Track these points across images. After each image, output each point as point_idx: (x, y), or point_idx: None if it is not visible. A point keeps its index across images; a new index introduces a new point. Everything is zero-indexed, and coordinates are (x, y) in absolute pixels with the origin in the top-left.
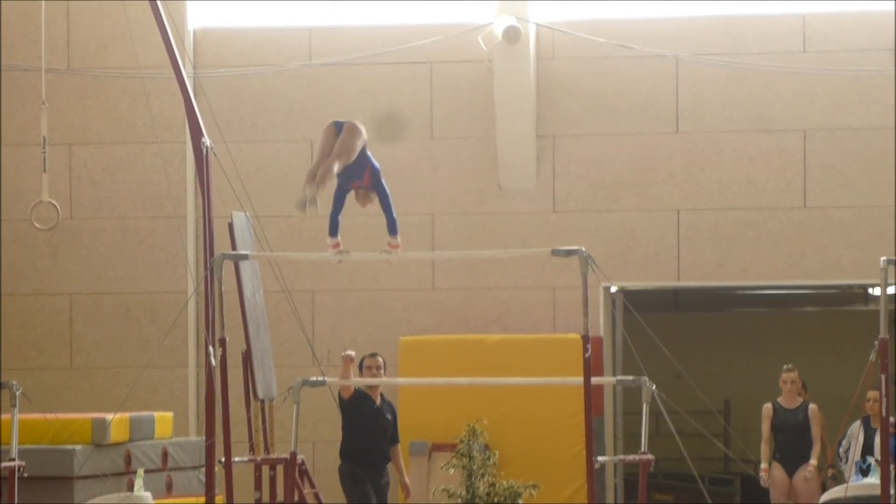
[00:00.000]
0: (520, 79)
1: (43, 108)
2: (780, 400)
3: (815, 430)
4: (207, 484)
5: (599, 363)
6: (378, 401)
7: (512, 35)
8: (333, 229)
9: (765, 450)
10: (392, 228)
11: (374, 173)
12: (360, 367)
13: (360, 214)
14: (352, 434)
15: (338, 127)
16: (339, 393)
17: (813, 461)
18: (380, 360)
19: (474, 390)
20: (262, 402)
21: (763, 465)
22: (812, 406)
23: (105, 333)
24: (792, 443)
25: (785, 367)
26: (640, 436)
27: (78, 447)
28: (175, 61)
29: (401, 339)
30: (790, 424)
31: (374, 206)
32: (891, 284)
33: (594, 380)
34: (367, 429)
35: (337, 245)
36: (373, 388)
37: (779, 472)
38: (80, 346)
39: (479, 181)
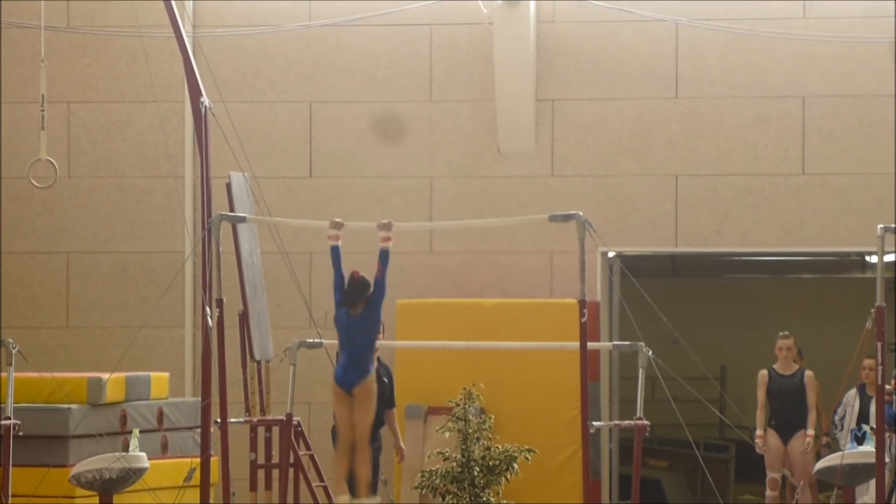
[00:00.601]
0: (519, 42)
1: (42, 65)
2: (776, 367)
3: (811, 398)
4: (203, 445)
5: (596, 328)
6: (374, 364)
7: None
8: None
9: (760, 416)
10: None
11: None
12: None
13: (358, 177)
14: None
15: (345, 387)
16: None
17: (810, 430)
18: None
19: (471, 354)
20: (259, 363)
21: (758, 432)
22: (808, 373)
23: (102, 293)
24: (787, 409)
25: (781, 333)
26: (635, 401)
27: (73, 406)
28: (174, 21)
29: (398, 302)
30: (786, 391)
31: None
32: (888, 252)
33: (590, 345)
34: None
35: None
36: None
37: (773, 438)
38: (76, 305)
39: (477, 144)
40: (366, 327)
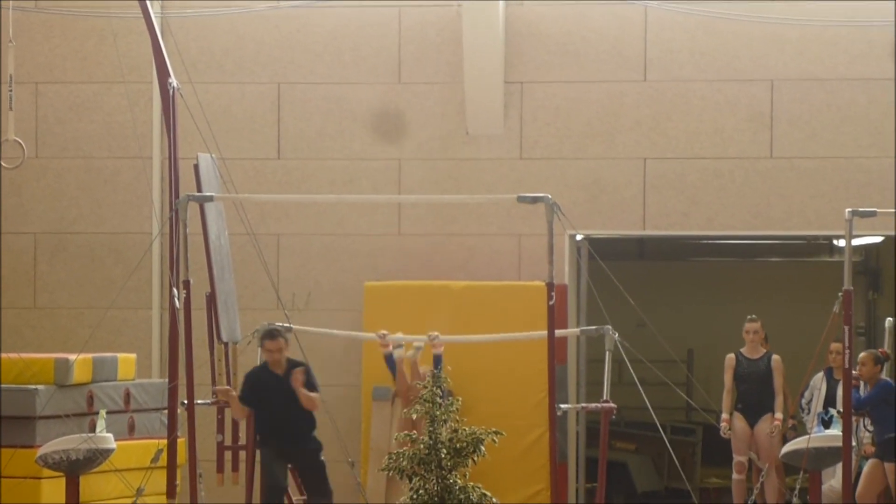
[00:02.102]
0: (488, 24)
1: (10, 46)
2: (743, 350)
3: (778, 381)
4: (169, 426)
5: (564, 311)
6: (282, 370)
7: None
8: None
9: (727, 400)
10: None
11: None
12: (262, 346)
13: (326, 158)
14: (259, 416)
15: None
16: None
17: (778, 414)
18: (281, 341)
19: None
20: (226, 344)
21: (724, 416)
22: (775, 357)
23: (69, 273)
24: (754, 393)
25: (748, 317)
26: (602, 384)
27: (40, 387)
28: (143, 1)
29: (366, 283)
30: (753, 375)
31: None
32: (855, 236)
33: (557, 332)
34: (273, 405)
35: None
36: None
37: (740, 422)
38: (43, 285)
39: (446, 127)
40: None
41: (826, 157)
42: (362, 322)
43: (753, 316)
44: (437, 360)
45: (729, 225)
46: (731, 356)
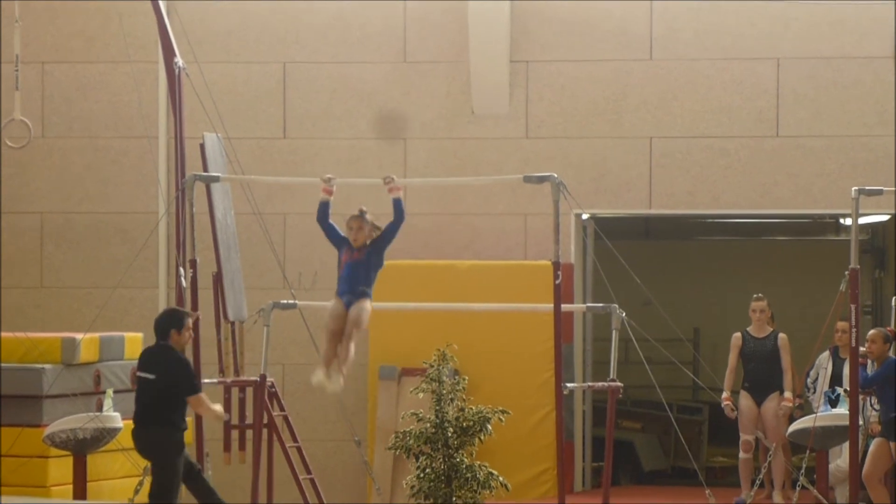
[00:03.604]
0: (494, 3)
1: (16, 25)
2: (749, 329)
3: (786, 360)
4: None
5: (570, 290)
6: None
7: None
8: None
9: (729, 379)
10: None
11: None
12: (181, 328)
13: (331, 138)
14: (179, 400)
15: (346, 302)
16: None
17: (788, 394)
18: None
19: (444, 316)
20: (233, 324)
21: (725, 394)
22: (782, 335)
23: (76, 253)
24: (760, 371)
25: (755, 296)
26: (609, 363)
27: (47, 366)
28: None
29: None
30: (759, 353)
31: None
32: (862, 214)
33: (564, 307)
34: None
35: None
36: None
37: (747, 400)
38: (50, 265)
39: (452, 106)
40: (366, 268)
41: (832, 135)
42: None
43: (760, 294)
44: (398, 207)
45: (735, 204)
46: (737, 335)
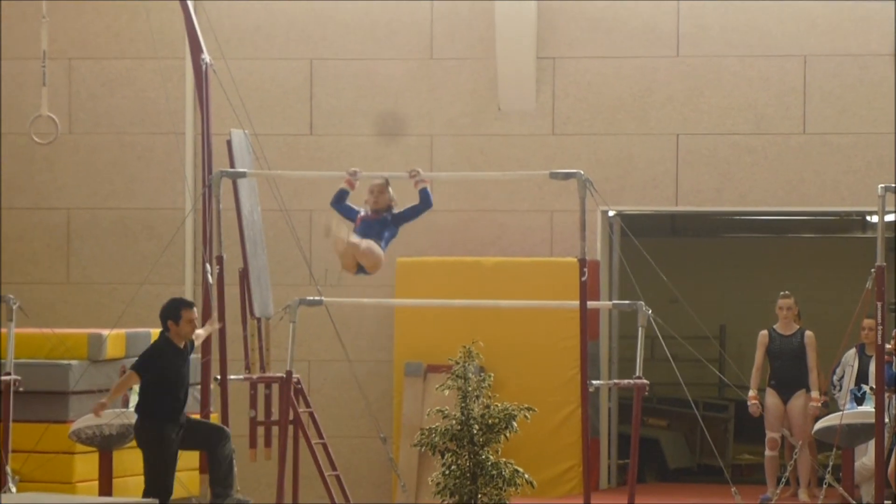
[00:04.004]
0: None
1: (43, 21)
2: (776, 326)
3: (812, 357)
4: (202, 401)
5: (596, 287)
6: (182, 345)
7: None
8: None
9: (755, 377)
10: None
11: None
12: (178, 319)
13: (358, 134)
14: (159, 390)
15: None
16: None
17: (814, 393)
18: (195, 311)
19: (470, 312)
20: (259, 320)
21: (751, 393)
22: (808, 333)
23: (102, 249)
24: (787, 369)
25: (781, 293)
26: (634, 360)
27: (74, 362)
28: None
29: (398, 259)
30: (786, 351)
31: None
32: (888, 212)
33: (590, 304)
34: (174, 380)
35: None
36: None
37: (773, 398)
38: (77, 261)
39: (478, 102)
40: (380, 226)
41: (859, 132)
42: (394, 297)
43: (787, 292)
44: (424, 195)
45: (761, 201)
46: (763, 332)
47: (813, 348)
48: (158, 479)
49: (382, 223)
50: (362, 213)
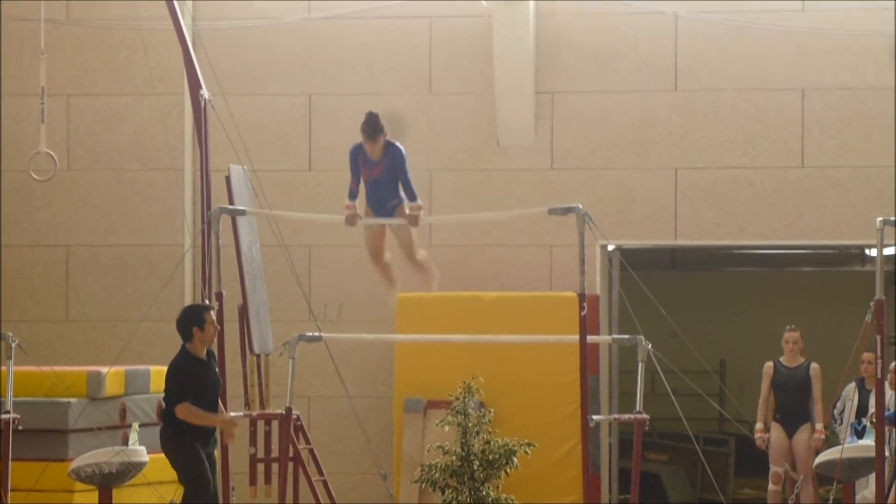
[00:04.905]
0: (519, 34)
1: (42, 58)
2: (781, 359)
3: (817, 389)
4: None
5: (595, 322)
6: (204, 354)
7: None
8: (351, 195)
9: (762, 409)
10: (413, 197)
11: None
12: (202, 324)
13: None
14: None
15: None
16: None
17: (820, 426)
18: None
19: (470, 348)
20: (258, 356)
21: (758, 426)
22: (814, 365)
23: (101, 286)
24: (791, 402)
25: (788, 327)
26: (635, 395)
27: (73, 400)
28: (174, 13)
29: (398, 295)
30: (791, 383)
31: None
32: (887, 245)
33: (590, 338)
34: (201, 396)
35: (351, 207)
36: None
37: (778, 431)
38: (76, 298)
39: (477, 137)
40: (388, 179)
41: (857, 166)
42: (394, 333)
43: (793, 326)
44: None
45: (760, 234)
46: (769, 364)
47: (819, 380)
48: (197, 489)
49: (388, 172)
50: (363, 171)
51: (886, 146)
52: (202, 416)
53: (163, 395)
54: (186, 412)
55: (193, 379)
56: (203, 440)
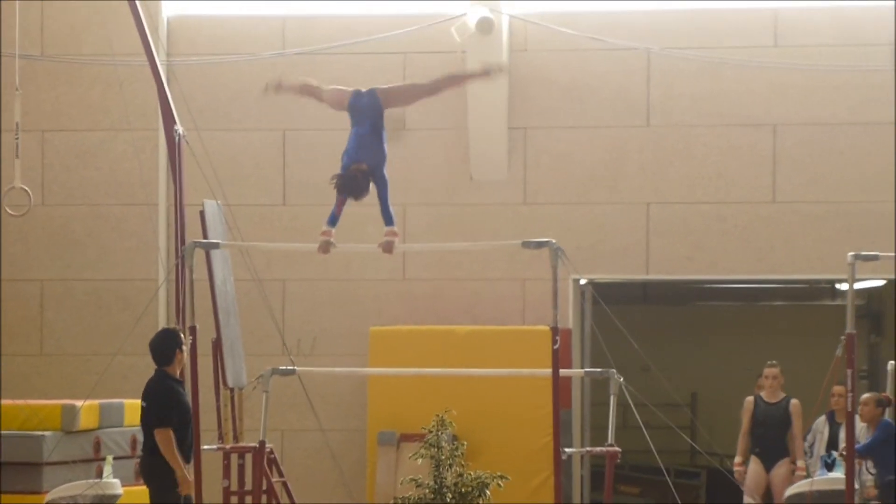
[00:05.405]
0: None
1: (16, 94)
2: (762, 394)
3: (797, 426)
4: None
5: (568, 355)
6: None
7: (485, 26)
8: (331, 220)
9: (742, 443)
10: (388, 220)
11: (380, 158)
12: (181, 345)
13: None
14: (184, 428)
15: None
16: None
17: (801, 462)
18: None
19: (443, 381)
20: (232, 390)
21: (737, 459)
22: (794, 401)
23: (76, 320)
24: (771, 437)
25: (768, 362)
26: (607, 428)
27: (47, 433)
28: (149, 48)
29: (371, 329)
30: (770, 419)
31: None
32: (858, 280)
33: (562, 372)
34: (187, 417)
35: (328, 233)
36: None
37: (756, 465)
38: (50, 332)
39: (450, 172)
40: (373, 124)
41: (828, 201)
42: (367, 367)
43: (774, 361)
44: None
45: (732, 269)
46: (749, 399)
47: (798, 417)
48: None
49: (375, 117)
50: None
51: (857, 181)
52: (173, 456)
53: (141, 420)
54: (165, 440)
55: (180, 400)
56: (188, 464)
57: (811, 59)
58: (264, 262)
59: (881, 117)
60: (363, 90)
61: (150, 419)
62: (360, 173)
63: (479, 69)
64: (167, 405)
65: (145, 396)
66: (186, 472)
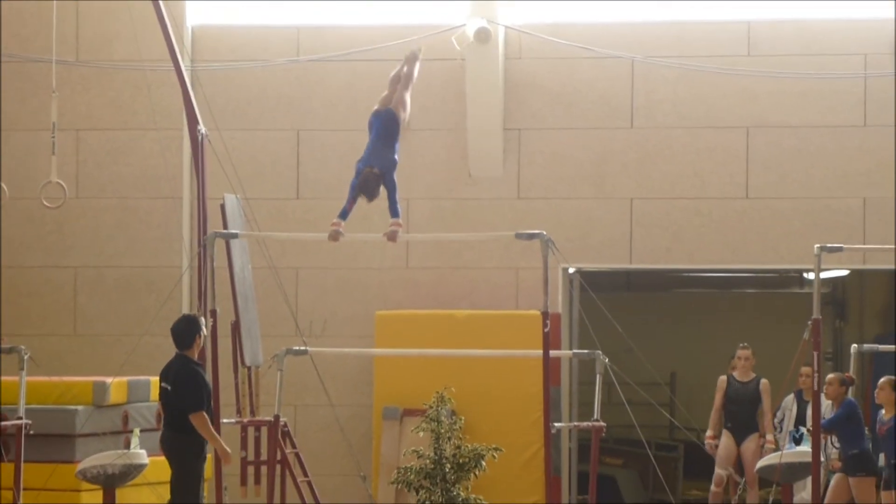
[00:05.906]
0: (489, 76)
1: (53, 96)
2: (734, 374)
3: (766, 403)
4: None
5: (557, 338)
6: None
7: (483, 36)
8: (342, 214)
9: (714, 418)
10: (394, 213)
11: (389, 164)
12: (201, 331)
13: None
14: (208, 406)
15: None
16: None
17: (769, 436)
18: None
19: (443, 361)
20: (249, 368)
21: (709, 433)
22: (764, 381)
23: (107, 304)
24: (742, 413)
25: (741, 345)
26: (593, 404)
27: (80, 407)
28: (174, 55)
29: (377, 313)
30: (742, 396)
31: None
32: (824, 270)
33: (552, 353)
34: (211, 396)
35: (338, 224)
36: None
37: (727, 439)
38: (83, 314)
39: (450, 170)
40: (386, 139)
41: (797, 197)
42: (374, 347)
43: (745, 344)
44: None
45: (708, 259)
46: (723, 378)
47: (768, 394)
48: (193, 493)
49: (387, 132)
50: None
51: (823, 179)
52: (212, 436)
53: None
54: (202, 422)
55: (206, 382)
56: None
57: (781, 68)
58: (279, 251)
59: (845, 121)
60: (382, 109)
61: (177, 401)
62: (373, 176)
63: (409, 55)
64: (196, 389)
65: (169, 379)
66: (223, 449)
